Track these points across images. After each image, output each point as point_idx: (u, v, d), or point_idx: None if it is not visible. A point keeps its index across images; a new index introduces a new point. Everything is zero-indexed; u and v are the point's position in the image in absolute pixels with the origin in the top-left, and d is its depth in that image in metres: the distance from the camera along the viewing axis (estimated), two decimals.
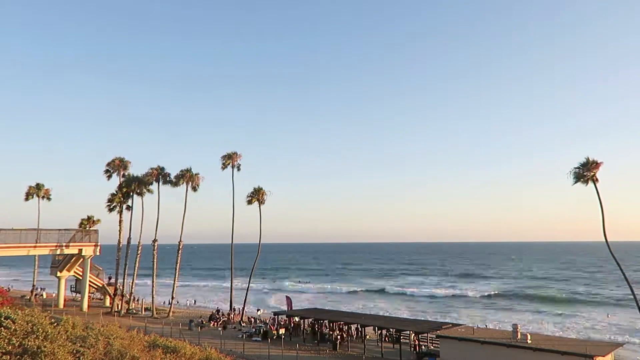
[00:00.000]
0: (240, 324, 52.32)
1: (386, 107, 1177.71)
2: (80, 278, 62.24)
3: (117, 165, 60.92)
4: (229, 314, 56.10)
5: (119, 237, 59.15)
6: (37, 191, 68.69)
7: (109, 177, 61.28)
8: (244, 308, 57.65)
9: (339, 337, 40.91)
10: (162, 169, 59.60)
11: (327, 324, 44.87)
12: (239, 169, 59.13)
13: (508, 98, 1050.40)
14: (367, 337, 42.62)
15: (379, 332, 40.22)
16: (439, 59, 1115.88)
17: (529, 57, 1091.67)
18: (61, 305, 60.34)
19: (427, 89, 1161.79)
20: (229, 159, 58.62)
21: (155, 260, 57.85)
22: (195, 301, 78.57)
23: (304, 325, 46.78)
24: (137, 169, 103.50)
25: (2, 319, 12.19)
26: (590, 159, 39.89)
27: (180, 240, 58.48)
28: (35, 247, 54.25)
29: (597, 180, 39.66)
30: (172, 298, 58.96)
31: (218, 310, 58.60)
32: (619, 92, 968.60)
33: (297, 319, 47.92)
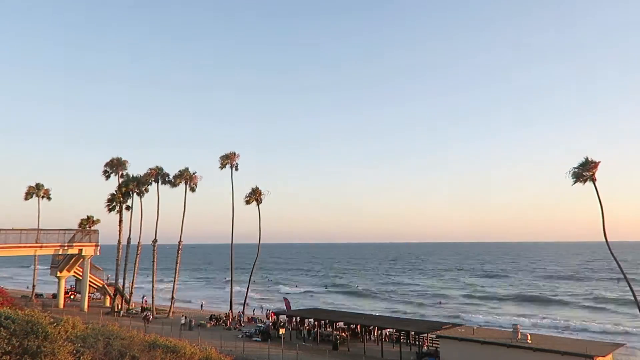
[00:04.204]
0: (241, 324, 52.28)
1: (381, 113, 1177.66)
2: (80, 278, 62.24)
3: (115, 165, 60.77)
4: (228, 314, 56.04)
5: (119, 237, 59.06)
6: (36, 191, 68.61)
7: (108, 177, 61.11)
8: (244, 308, 57.57)
9: (338, 337, 40.86)
10: (161, 169, 59.55)
11: (327, 324, 44.80)
12: (237, 169, 59.17)
13: (508, 95, 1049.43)
14: (372, 338, 42.54)
15: (379, 332, 40.22)
16: (439, 56, 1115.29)
17: (529, 55, 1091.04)
18: (61, 305, 60.25)
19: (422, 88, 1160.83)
20: (227, 159, 58.58)
21: (155, 260, 57.83)
22: (202, 304, 78.45)
23: (304, 326, 46.71)
24: (136, 169, 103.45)
25: (2, 319, 12.15)
26: (589, 159, 39.98)
27: (180, 240, 58.44)
28: (41, 247, 54.54)
29: (595, 179, 39.81)
30: (172, 298, 58.87)
31: (228, 314, 58.45)
32: (619, 91, 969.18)
33: (297, 319, 47.85)
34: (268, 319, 54.12)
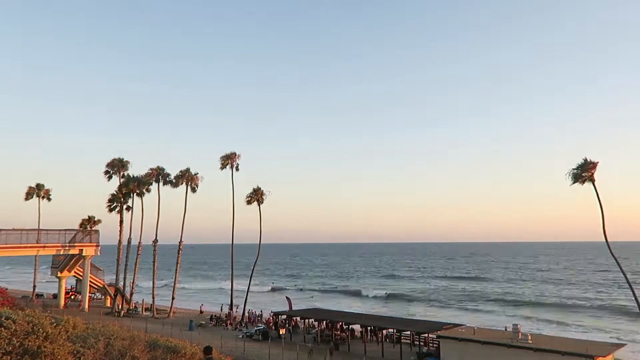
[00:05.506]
0: (241, 324, 52.32)
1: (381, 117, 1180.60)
2: (81, 278, 62.34)
3: (116, 166, 60.90)
4: (229, 315, 56.08)
5: (120, 238, 59.15)
6: (37, 191, 68.76)
7: (109, 177, 61.28)
8: (244, 308, 57.62)
9: (339, 337, 40.89)
10: (162, 169, 59.65)
11: (327, 324, 44.84)
12: (237, 169, 59.25)
13: (507, 96, 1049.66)
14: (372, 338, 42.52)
15: (379, 332, 40.22)
16: (440, 60, 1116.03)
17: (528, 56, 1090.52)
18: (62, 306, 60.35)
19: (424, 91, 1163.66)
20: (228, 159, 58.68)
21: (155, 260, 57.89)
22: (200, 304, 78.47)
23: (304, 326, 46.76)
24: (136, 170, 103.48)
25: (3, 319, 12.15)
26: (588, 160, 40.31)
27: (180, 241, 58.51)
28: (43, 247, 54.67)
29: (594, 180, 40.10)
30: (173, 298, 58.92)
31: (228, 314, 58.48)
32: (619, 91, 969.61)
33: (297, 319, 47.89)
34: (268, 318, 54.21)
